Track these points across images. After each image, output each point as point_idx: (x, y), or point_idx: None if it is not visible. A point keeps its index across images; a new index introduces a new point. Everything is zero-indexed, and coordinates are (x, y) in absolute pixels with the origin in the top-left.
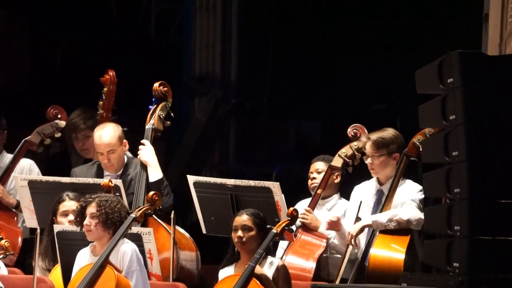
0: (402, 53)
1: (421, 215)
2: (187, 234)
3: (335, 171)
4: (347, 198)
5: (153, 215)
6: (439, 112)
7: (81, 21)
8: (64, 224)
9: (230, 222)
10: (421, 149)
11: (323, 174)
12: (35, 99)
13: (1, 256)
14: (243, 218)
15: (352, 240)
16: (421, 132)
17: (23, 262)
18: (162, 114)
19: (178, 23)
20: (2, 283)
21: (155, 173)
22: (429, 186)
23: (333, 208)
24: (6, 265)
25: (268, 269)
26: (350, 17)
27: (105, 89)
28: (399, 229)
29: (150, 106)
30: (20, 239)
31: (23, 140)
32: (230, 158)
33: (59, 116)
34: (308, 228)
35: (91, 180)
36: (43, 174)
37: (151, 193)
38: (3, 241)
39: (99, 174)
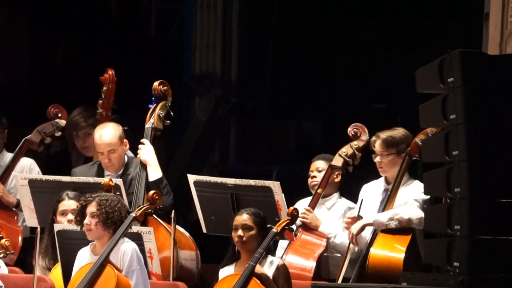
0: (402, 53)
1: (422, 214)
2: (187, 233)
3: (336, 170)
4: (347, 197)
5: (153, 215)
6: (440, 112)
7: (81, 20)
8: (63, 223)
9: (230, 222)
10: None
11: (323, 172)
12: (35, 99)
13: (1, 255)
14: (243, 218)
15: (353, 239)
16: (424, 132)
17: (24, 261)
18: (161, 113)
19: (178, 23)
20: (2, 282)
21: (155, 172)
22: (430, 186)
23: (333, 207)
24: (7, 264)
25: (268, 268)
26: (350, 17)
27: (105, 88)
28: (401, 228)
29: (150, 105)
30: (20, 238)
31: (23, 139)
32: (230, 158)
33: (59, 115)
34: (308, 227)
35: (91, 179)
36: (44, 173)
37: (152, 192)
38: (3, 240)
39: (100, 174)
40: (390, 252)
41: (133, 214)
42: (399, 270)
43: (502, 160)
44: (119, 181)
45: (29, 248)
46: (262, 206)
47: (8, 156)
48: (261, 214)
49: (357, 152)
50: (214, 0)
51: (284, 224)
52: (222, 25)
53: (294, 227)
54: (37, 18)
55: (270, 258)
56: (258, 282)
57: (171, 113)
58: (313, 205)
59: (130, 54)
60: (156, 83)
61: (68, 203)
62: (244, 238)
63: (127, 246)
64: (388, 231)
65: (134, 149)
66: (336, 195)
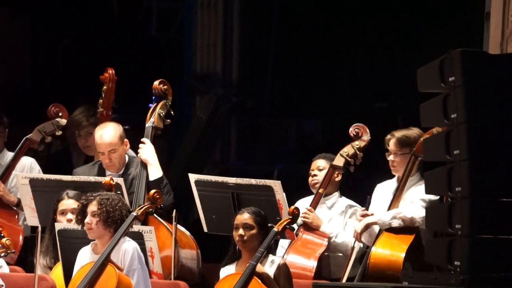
0: (403, 52)
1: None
2: (187, 232)
3: (337, 170)
4: (347, 196)
5: (154, 214)
6: (441, 111)
7: (82, 19)
8: (63, 222)
9: (231, 221)
10: None
11: (324, 171)
12: (36, 98)
13: (2, 254)
14: (244, 217)
15: (357, 237)
16: (429, 132)
17: (24, 260)
18: (162, 112)
19: (179, 22)
20: (3, 281)
21: (155, 171)
22: (431, 185)
23: (333, 205)
24: (8, 263)
25: (269, 267)
26: (351, 17)
27: (105, 87)
28: (405, 228)
29: (150, 105)
30: (21, 237)
31: (24, 138)
32: (231, 157)
33: (60, 114)
34: (309, 227)
35: (92, 178)
36: (44, 172)
37: (152, 191)
38: (4, 239)
39: (101, 174)
40: (391, 251)
41: (134, 213)
42: (399, 270)
43: (503, 160)
44: (120, 180)
45: (30, 247)
46: (263, 205)
47: (9, 155)
48: (262, 213)
49: (358, 152)
50: None
51: (285, 223)
52: (223, 24)
53: (295, 226)
54: (38, 17)
55: (271, 257)
56: (259, 281)
57: (172, 112)
58: (314, 205)
59: (131, 53)
60: (156, 82)
61: (68, 203)
62: (245, 237)
63: (128, 245)
64: (391, 230)
65: (135, 148)
66: (337, 194)
